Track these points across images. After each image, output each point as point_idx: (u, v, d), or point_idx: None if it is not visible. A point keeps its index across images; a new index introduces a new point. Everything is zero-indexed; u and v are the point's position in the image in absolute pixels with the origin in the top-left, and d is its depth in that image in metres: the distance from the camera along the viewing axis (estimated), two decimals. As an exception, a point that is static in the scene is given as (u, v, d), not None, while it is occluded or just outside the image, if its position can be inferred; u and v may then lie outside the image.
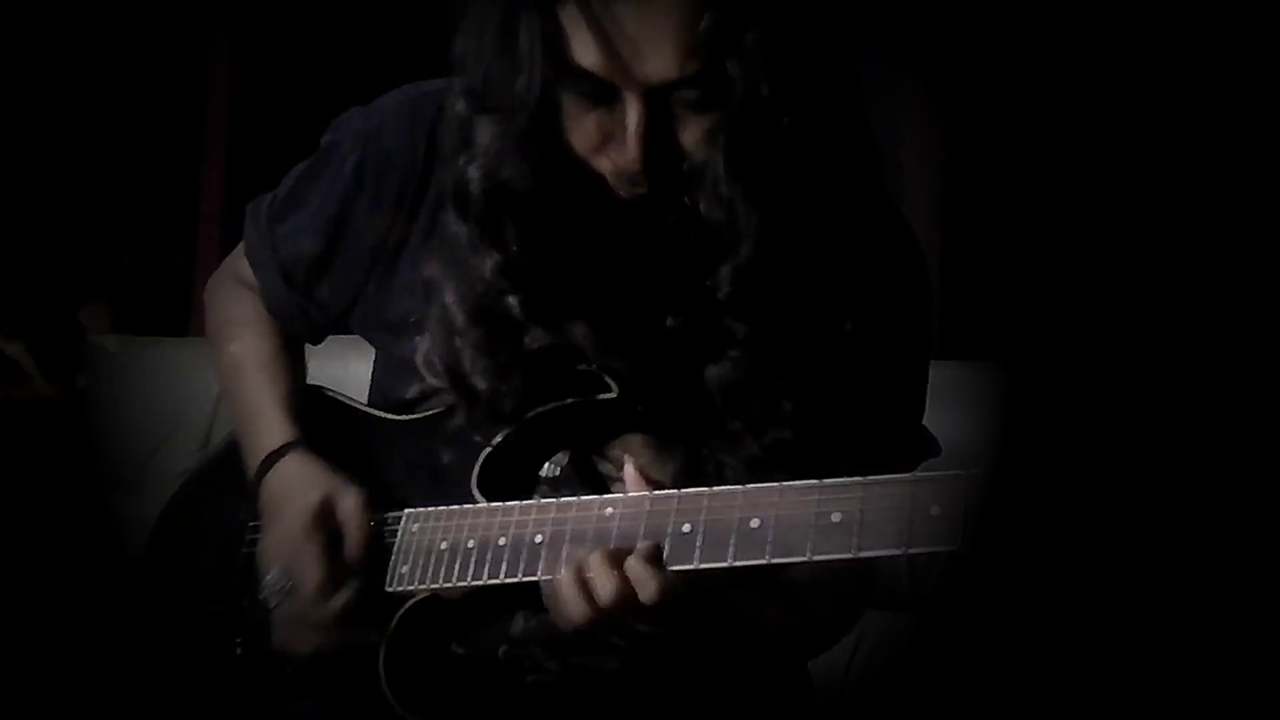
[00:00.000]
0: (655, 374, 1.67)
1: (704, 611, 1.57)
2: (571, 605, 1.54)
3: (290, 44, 3.58)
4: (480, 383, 1.67)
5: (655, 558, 1.53)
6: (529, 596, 1.65)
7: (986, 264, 3.16)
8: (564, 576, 1.55)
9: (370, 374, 1.90)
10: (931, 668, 2.29)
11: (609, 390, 1.68)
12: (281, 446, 1.79)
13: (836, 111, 1.61)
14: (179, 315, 3.42)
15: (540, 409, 1.68)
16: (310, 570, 1.70)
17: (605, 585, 1.52)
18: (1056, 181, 2.95)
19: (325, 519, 1.72)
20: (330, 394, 1.89)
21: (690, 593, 1.53)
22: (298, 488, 1.75)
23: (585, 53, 1.55)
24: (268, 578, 1.73)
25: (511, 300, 1.66)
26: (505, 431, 1.69)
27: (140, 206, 3.65)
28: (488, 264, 1.65)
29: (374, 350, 1.88)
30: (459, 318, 1.67)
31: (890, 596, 2.28)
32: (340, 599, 1.70)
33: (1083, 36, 2.95)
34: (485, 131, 1.63)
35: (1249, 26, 2.72)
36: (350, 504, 1.73)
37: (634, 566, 1.52)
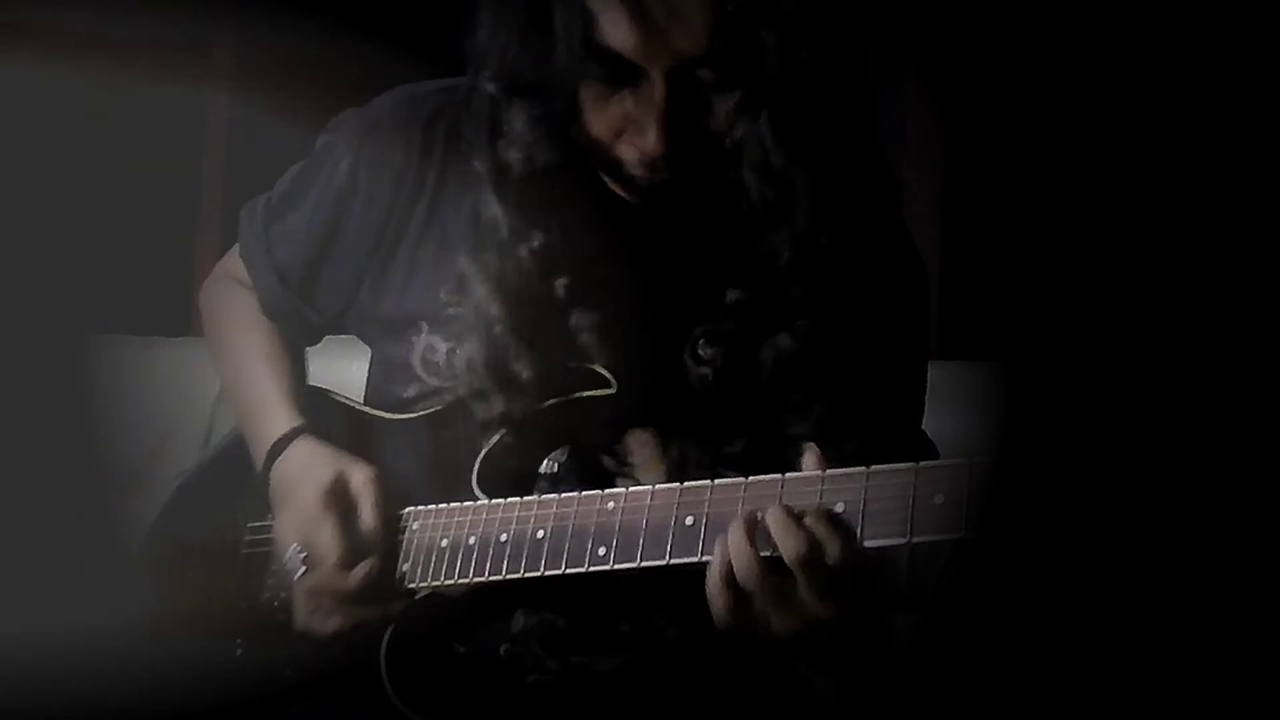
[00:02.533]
0: (727, 349, 1.67)
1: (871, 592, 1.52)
2: (744, 568, 1.48)
3: (290, 44, 3.57)
4: (525, 371, 1.67)
5: (836, 519, 1.48)
6: (530, 594, 1.65)
7: (986, 264, 3.16)
8: (734, 534, 1.49)
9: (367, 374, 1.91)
10: (931, 668, 2.29)
11: (608, 386, 1.68)
12: (289, 432, 1.79)
13: (853, 79, 1.64)
14: (179, 315, 3.41)
15: (539, 405, 1.68)
16: (329, 544, 1.70)
17: (790, 540, 1.47)
18: (1056, 181, 2.95)
19: (339, 495, 1.72)
20: (329, 394, 1.89)
21: (869, 566, 1.49)
22: (309, 468, 1.75)
23: (615, 31, 1.56)
24: (285, 556, 1.73)
25: (557, 283, 1.66)
26: (503, 429, 1.69)
27: (140, 206, 3.65)
28: (529, 248, 1.66)
29: (371, 350, 1.89)
30: (496, 307, 1.67)
31: (890, 596, 2.27)
32: (360, 572, 1.69)
33: (1083, 36, 2.96)
34: (520, 115, 1.64)
35: (1249, 26, 2.72)
36: (363, 479, 1.73)
37: (816, 525, 1.47)
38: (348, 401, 1.87)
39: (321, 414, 1.84)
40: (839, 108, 1.61)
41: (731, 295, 1.65)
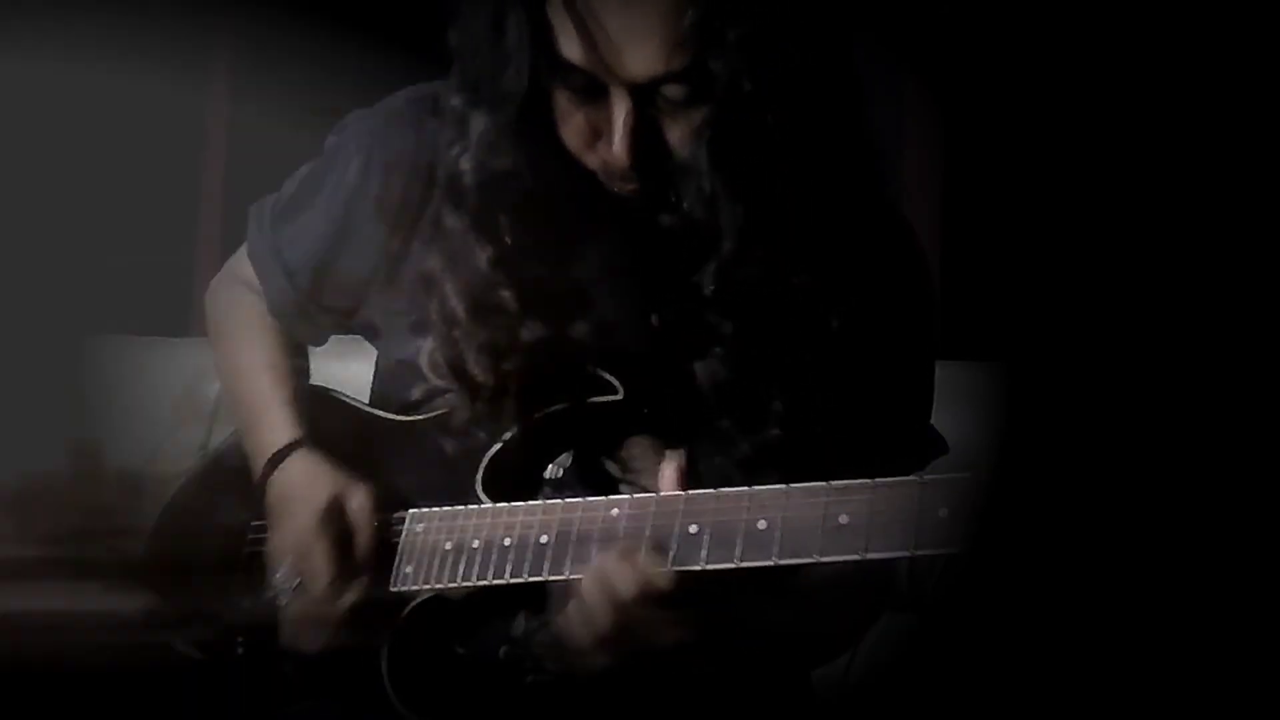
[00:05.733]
0: (651, 372, 1.68)
1: (715, 612, 1.57)
2: (597, 609, 1.54)
3: (290, 44, 3.58)
4: (480, 376, 1.67)
5: (662, 550, 1.53)
6: (531, 597, 1.65)
7: (986, 264, 3.16)
8: (587, 583, 1.55)
9: (370, 374, 1.90)
10: (931, 668, 2.29)
11: (614, 392, 1.68)
12: (288, 445, 1.79)
13: (827, 111, 1.61)
14: (179, 315, 3.42)
15: (545, 410, 1.68)
16: (320, 568, 1.70)
17: (625, 579, 1.52)
18: (1056, 181, 2.95)
19: (334, 517, 1.72)
20: (335, 395, 1.89)
21: (703, 589, 1.53)
22: (306, 486, 1.75)
23: (571, 48, 1.56)
24: (276, 575, 1.74)
25: (506, 294, 1.66)
26: (510, 432, 1.69)
27: (140, 206, 3.66)
28: (483, 257, 1.66)
29: (374, 351, 1.89)
30: (458, 310, 1.68)
31: (889, 596, 2.27)
32: (349, 597, 1.70)
33: (1083, 36, 2.96)
34: (478, 124, 1.64)
35: (1249, 26, 2.72)
36: (359, 503, 1.73)
37: (646, 559, 1.53)
38: (353, 402, 1.87)
39: (326, 415, 1.84)
40: (796, 140, 1.59)
41: (656, 318, 1.67)
